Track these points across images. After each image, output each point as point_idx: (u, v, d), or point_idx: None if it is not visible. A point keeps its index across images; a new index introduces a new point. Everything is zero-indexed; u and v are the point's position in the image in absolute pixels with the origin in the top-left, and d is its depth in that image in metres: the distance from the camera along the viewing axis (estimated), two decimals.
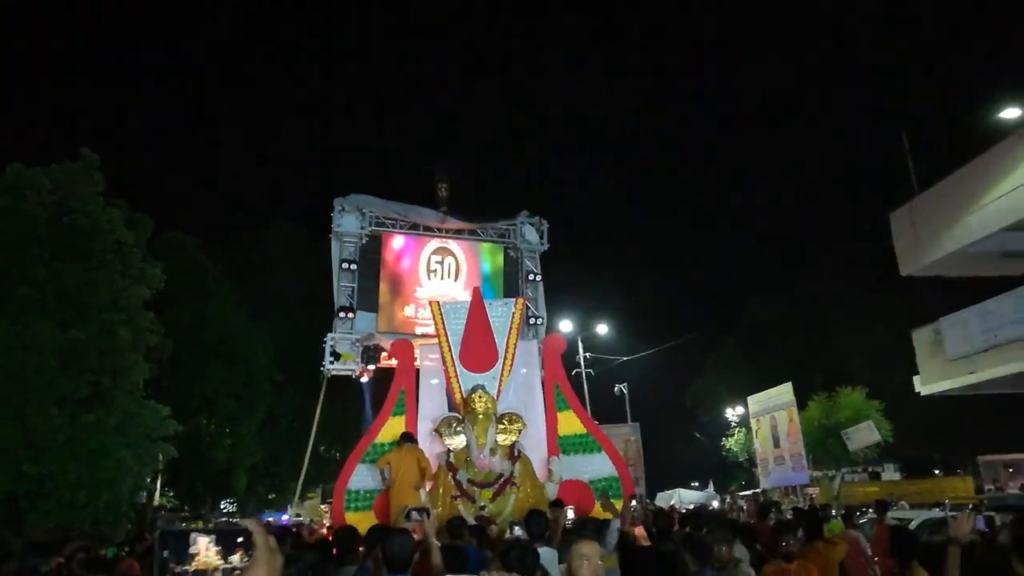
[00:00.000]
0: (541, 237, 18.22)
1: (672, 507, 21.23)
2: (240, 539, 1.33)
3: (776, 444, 23.10)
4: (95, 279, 14.99)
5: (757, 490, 26.21)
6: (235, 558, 1.29)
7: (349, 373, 15.95)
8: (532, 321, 16.98)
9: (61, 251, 14.98)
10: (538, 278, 17.86)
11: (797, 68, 68.84)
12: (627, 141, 77.35)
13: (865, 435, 23.19)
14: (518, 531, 5.06)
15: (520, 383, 12.83)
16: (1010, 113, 13.79)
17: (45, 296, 14.32)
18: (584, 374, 26.84)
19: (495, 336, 12.71)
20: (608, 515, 8.08)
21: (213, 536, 1.38)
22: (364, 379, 15.83)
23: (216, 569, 1.32)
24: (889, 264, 16.76)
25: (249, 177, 57.50)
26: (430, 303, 13.35)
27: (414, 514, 5.10)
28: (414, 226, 17.28)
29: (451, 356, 12.47)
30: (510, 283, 17.77)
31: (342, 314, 15.67)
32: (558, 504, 8.73)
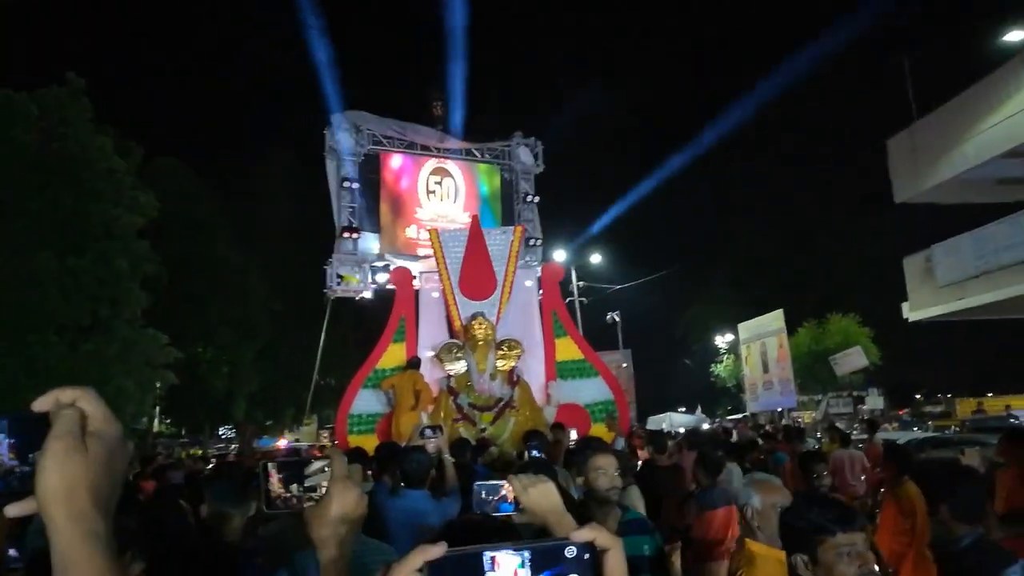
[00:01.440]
0: (536, 159, 18.00)
1: (663, 430, 21.84)
2: (305, 469, 1.32)
3: (765, 369, 23.57)
4: (89, 208, 14.90)
5: (746, 414, 26.87)
6: (294, 487, 1.29)
7: (353, 295, 15.87)
8: (531, 243, 16.95)
9: (53, 179, 14.81)
10: (534, 199, 17.74)
11: None
12: (620, 68, 75.81)
13: (853, 360, 23.65)
14: (535, 453, 5.19)
15: (518, 310, 13.00)
16: (1015, 36, 13.60)
17: (42, 226, 14.23)
18: (578, 303, 27.09)
19: (494, 264, 12.81)
20: (610, 436, 8.37)
21: (275, 464, 1.35)
22: (366, 295, 15.59)
23: (278, 497, 1.30)
24: (882, 190, 16.82)
25: (239, 103, 56.19)
26: (429, 231, 13.38)
27: (427, 431, 5.24)
28: (411, 145, 16.98)
29: (450, 284, 12.60)
30: (507, 205, 17.68)
31: (346, 235, 15.30)
32: (559, 427, 8.99)
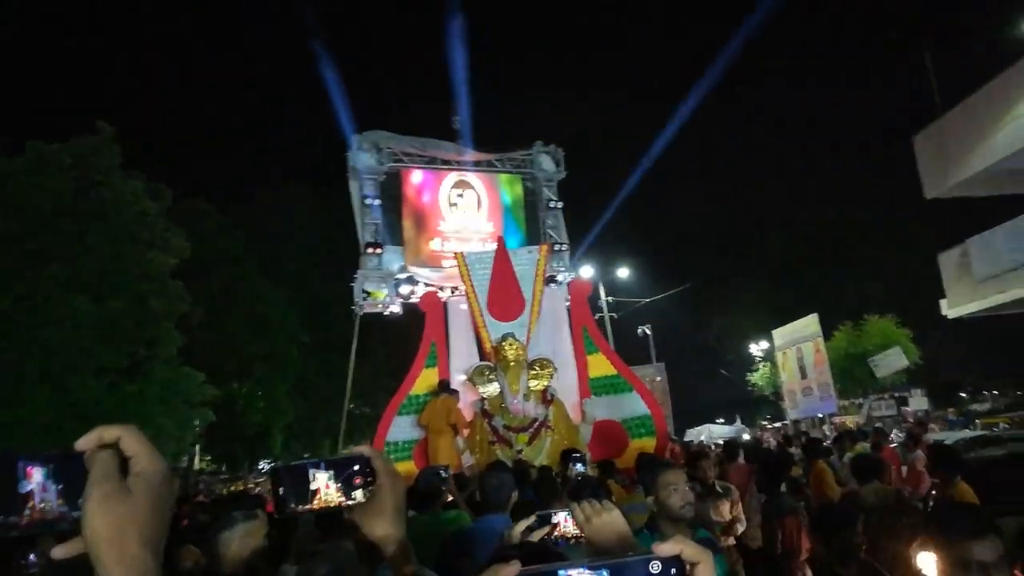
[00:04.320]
0: (558, 165, 17.91)
1: (702, 442, 21.54)
2: (356, 469, 1.27)
3: (803, 376, 23.15)
4: (123, 251, 15.24)
5: (786, 422, 26.40)
6: (358, 494, 1.21)
7: (381, 310, 15.94)
8: (556, 248, 16.89)
9: (89, 225, 15.18)
10: (558, 205, 17.68)
11: None
12: (645, 72, 75.83)
13: (893, 361, 23.18)
14: (580, 468, 5.04)
15: (548, 329, 12.96)
16: None
17: (79, 270, 14.57)
18: (608, 318, 26.93)
19: (521, 284, 12.82)
20: (650, 450, 8.26)
21: (331, 471, 1.29)
22: (394, 308, 15.69)
23: (340, 507, 1.23)
24: (912, 187, 16.55)
25: (256, 136, 57.18)
26: (455, 255, 13.43)
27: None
28: (431, 160, 17.08)
29: (479, 306, 12.62)
30: (531, 213, 17.61)
31: (369, 251, 15.45)
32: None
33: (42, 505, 0.79)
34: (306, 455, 34.96)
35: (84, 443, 0.82)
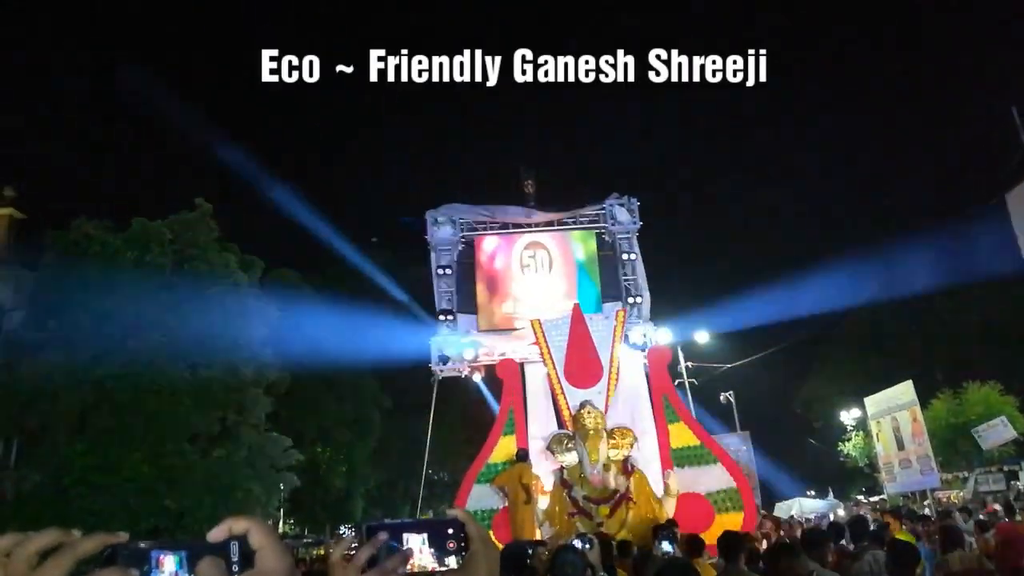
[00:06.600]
0: (633, 215, 17.60)
1: (792, 518, 20.47)
2: (450, 533, 1.24)
3: (900, 447, 21.84)
4: (217, 321, 15.98)
5: (883, 496, 24.86)
6: (451, 560, 1.18)
7: (457, 374, 16.16)
8: (632, 301, 16.54)
9: (185, 297, 16.06)
10: (634, 257, 17.31)
11: (906, 40, 65.41)
12: (716, 137, 75.53)
13: (999, 432, 21.63)
14: (666, 546, 4.85)
15: (627, 396, 12.78)
16: None
17: (175, 340, 15.35)
18: (687, 384, 26.30)
19: (598, 350, 12.74)
20: (737, 526, 7.94)
21: (426, 534, 1.24)
22: (478, 376, 16.00)
23: (433, 573, 1.19)
24: (1005, 244, 15.82)
25: (335, 204, 59.34)
26: (532, 322, 13.49)
27: (576, 542, 4.72)
28: (504, 225, 17.37)
29: (556, 373, 12.58)
30: (606, 267, 17.30)
31: (442, 318, 15.97)
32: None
33: None
34: (387, 520, 35.00)
35: (216, 534, 0.87)
